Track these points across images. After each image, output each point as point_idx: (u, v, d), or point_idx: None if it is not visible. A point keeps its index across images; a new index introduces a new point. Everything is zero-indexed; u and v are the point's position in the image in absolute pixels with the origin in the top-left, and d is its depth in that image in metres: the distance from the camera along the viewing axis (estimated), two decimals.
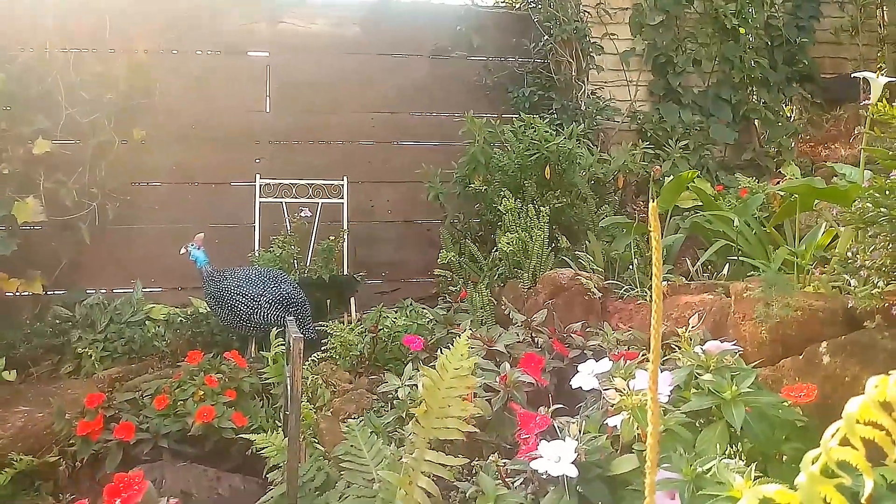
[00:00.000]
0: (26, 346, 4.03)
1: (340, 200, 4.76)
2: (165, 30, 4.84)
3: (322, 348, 3.69)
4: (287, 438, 1.59)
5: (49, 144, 4.24)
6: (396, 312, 4.05)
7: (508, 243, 3.82)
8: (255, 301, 3.62)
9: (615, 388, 1.23)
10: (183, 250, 3.80)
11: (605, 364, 1.49)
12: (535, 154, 4.10)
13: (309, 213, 4.44)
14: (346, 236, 4.61)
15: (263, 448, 2.23)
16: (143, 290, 4.56)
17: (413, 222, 5.18)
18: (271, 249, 4.35)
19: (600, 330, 2.46)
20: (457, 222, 4.56)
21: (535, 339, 2.30)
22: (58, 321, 4.19)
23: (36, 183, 4.19)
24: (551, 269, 3.85)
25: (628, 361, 1.60)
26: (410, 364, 1.87)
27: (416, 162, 5.12)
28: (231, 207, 4.86)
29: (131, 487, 1.38)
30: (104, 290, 4.56)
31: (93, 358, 3.98)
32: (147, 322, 4.35)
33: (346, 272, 4.49)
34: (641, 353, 1.83)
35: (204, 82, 4.91)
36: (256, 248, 4.54)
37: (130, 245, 4.70)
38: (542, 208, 3.86)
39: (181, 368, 3.36)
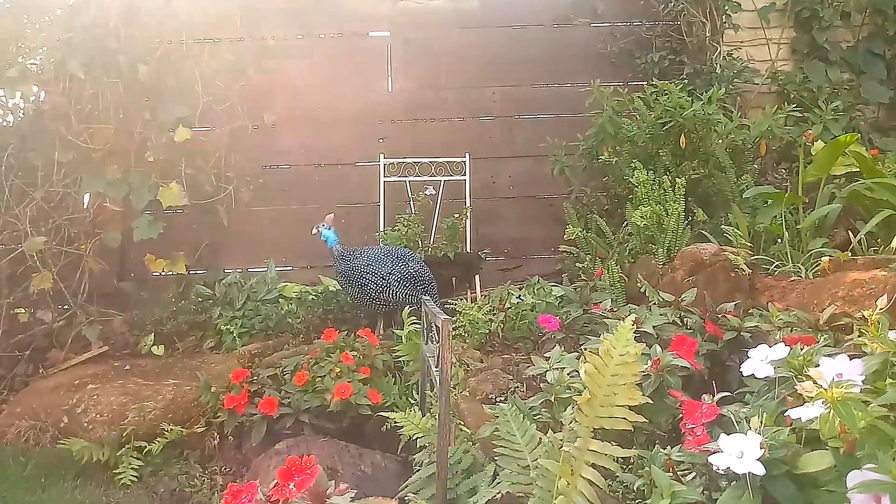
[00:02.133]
0: (172, 323, 4.27)
1: (463, 177, 4.72)
2: (289, 15, 4.94)
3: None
4: (437, 421, 1.56)
5: (188, 132, 4.43)
6: (522, 290, 3.99)
7: (642, 217, 3.64)
8: (385, 279, 3.65)
9: (811, 379, 1.10)
10: (314, 230, 3.88)
11: (781, 350, 1.35)
12: (668, 122, 3.88)
13: (433, 191, 4.43)
14: (468, 213, 4.56)
15: (402, 426, 2.24)
16: (276, 268, 4.73)
17: (535, 198, 5.06)
18: (397, 228, 4.37)
19: (760, 310, 2.27)
20: (583, 196, 4.41)
21: (684, 320, 2.16)
22: (200, 299, 4.41)
23: (178, 169, 4.40)
24: (688, 243, 3.65)
25: (805, 346, 1.45)
26: (558, 346, 1.79)
27: (538, 136, 5.00)
28: (356, 187, 4.93)
29: (304, 472, 1.39)
30: (240, 270, 4.76)
31: (233, 334, 4.16)
32: (280, 300, 4.52)
33: (468, 249, 4.45)
34: (822, 338, 1.66)
35: (328, 65, 5.00)
36: (382, 226, 4.58)
37: (263, 226, 4.87)
38: (677, 180, 3.65)
39: (316, 345, 3.45)
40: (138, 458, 3.25)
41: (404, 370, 3.07)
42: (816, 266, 2.91)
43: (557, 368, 1.69)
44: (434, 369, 1.75)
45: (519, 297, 3.65)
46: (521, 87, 5.11)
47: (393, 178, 4.67)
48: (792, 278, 2.74)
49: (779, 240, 3.20)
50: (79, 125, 4.16)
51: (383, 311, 3.80)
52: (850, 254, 2.68)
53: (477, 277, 4.21)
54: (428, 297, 2.36)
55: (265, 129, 4.75)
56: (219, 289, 4.50)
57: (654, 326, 2.04)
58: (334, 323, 4.07)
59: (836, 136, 3.92)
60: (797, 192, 3.34)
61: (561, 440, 1.29)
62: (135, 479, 3.18)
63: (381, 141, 4.97)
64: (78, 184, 4.18)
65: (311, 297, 4.35)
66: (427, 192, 4.41)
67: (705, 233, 3.60)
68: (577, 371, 1.80)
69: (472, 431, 1.80)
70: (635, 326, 2.02)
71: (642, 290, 3.14)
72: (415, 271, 3.74)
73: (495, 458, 1.64)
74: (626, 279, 3.75)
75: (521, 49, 5.10)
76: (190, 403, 3.48)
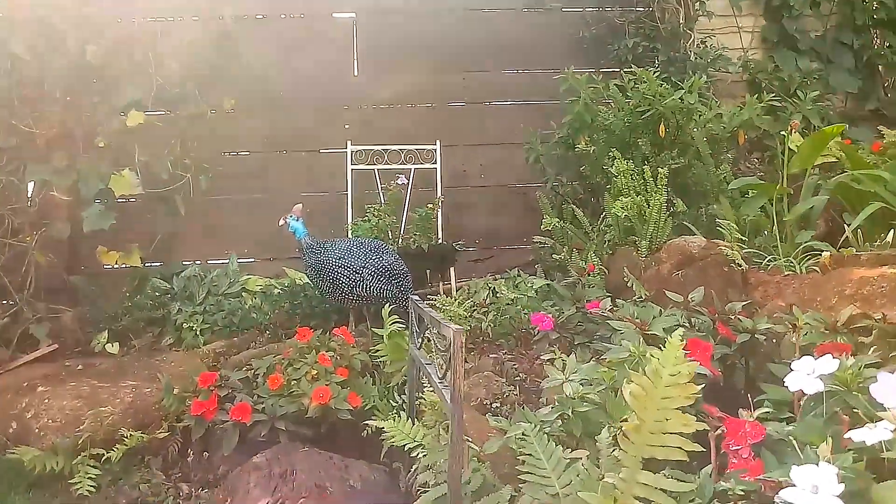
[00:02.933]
0: (128, 319, 4.03)
1: (434, 166, 4.56)
2: None
3: None
4: (449, 441, 1.42)
5: (142, 116, 4.16)
6: (499, 282, 3.87)
7: (622, 208, 3.55)
8: (358, 273, 3.48)
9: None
10: (282, 222, 3.68)
11: (830, 363, 1.25)
12: (647, 111, 3.79)
13: (405, 180, 4.27)
14: (441, 203, 4.41)
15: (392, 437, 2.09)
16: (237, 261, 4.51)
17: (507, 187, 4.94)
18: (366, 218, 4.20)
19: (756, 307, 2.20)
20: (558, 186, 4.30)
21: (692, 321, 2.07)
22: (157, 293, 4.17)
23: (131, 156, 4.13)
24: (669, 235, 3.58)
25: (850, 357, 1.36)
26: (574, 355, 1.67)
27: (509, 123, 4.88)
28: (322, 176, 4.73)
29: None
30: (199, 262, 4.53)
31: (194, 331, 3.94)
32: (243, 294, 4.31)
33: (441, 240, 4.30)
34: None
35: (290, 48, 4.77)
36: (349, 217, 4.40)
37: (223, 216, 4.64)
38: (659, 169, 3.57)
39: (288, 345, 3.27)
40: (96, 467, 3.03)
41: (384, 370, 2.92)
42: (806, 260, 2.87)
43: (573, 380, 1.56)
44: (439, 382, 1.60)
45: (493, 290, 3.53)
46: (492, 72, 4.97)
47: (360, 167, 4.49)
48: (786, 273, 2.68)
49: (764, 232, 3.15)
50: (22, 108, 3.86)
51: (355, 307, 3.63)
52: (852, 249, 2.63)
53: (452, 270, 4.07)
54: (418, 297, 2.21)
55: (224, 114, 4.50)
56: (177, 282, 4.26)
57: (664, 328, 1.93)
58: (302, 318, 3.89)
59: (816, 127, 3.90)
60: (779, 183, 3.28)
61: (598, 468, 1.17)
62: (92, 489, 2.96)
63: (347, 127, 4.77)
64: (22, 171, 3.89)
65: (276, 290, 4.15)
66: (398, 182, 4.24)
67: (687, 224, 3.54)
68: (591, 380, 1.68)
69: (478, 447, 1.67)
70: (643, 330, 1.92)
71: (629, 283, 3.05)
72: (389, 264, 3.58)
73: (507, 479, 1.51)
74: (607, 271, 3.67)
75: (491, 34, 4.95)
76: (150, 407, 3.26)
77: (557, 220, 4.01)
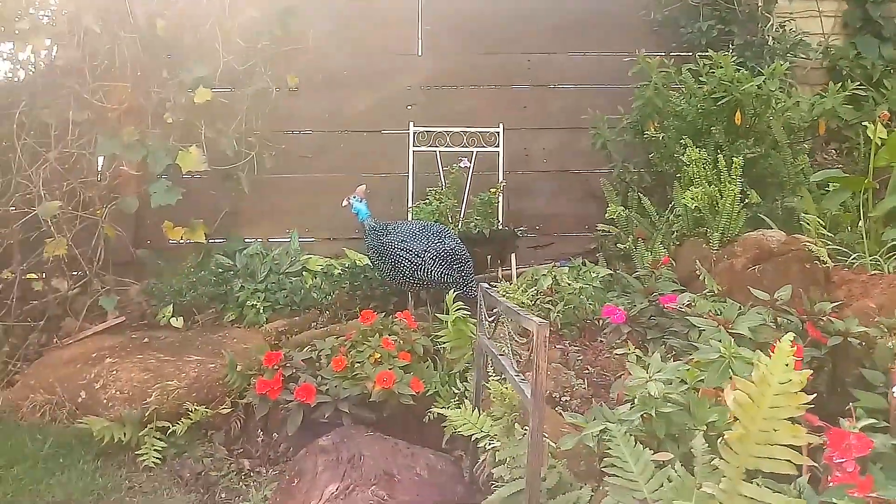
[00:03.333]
0: (192, 294, 4.08)
1: (496, 149, 4.49)
2: None
3: None
4: (529, 437, 1.38)
5: (209, 93, 4.20)
6: (562, 271, 3.81)
7: (693, 198, 3.44)
8: (420, 257, 3.46)
9: None
10: (345, 202, 3.68)
11: None
12: (723, 97, 3.65)
13: (468, 164, 4.21)
14: (502, 188, 4.35)
15: (458, 425, 2.06)
16: (298, 239, 4.53)
17: (569, 172, 4.84)
18: (427, 202, 4.16)
19: (872, 313, 2.07)
20: (624, 173, 4.19)
21: (778, 321, 1.97)
22: (220, 270, 4.22)
23: (197, 132, 4.17)
24: (742, 228, 3.46)
25: None
26: (658, 355, 1.60)
27: (573, 106, 4.77)
28: (383, 157, 4.70)
29: None
30: (260, 240, 4.57)
31: (256, 308, 3.98)
32: (304, 273, 4.33)
33: (501, 225, 4.24)
34: None
35: (354, 25, 4.74)
36: (410, 199, 4.37)
37: (285, 194, 4.66)
38: (734, 159, 3.44)
39: (350, 326, 3.28)
40: (161, 439, 3.09)
41: (446, 356, 2.89)
42: (893, 259, 2.72)
43: (658, 379, 1.50)
44: (516, 376, 1.56)
45: (558, 280, 3.46)
46: (557, 54, 4.86)
47: (422, 148, 4.45)
48: (872, 272, 2.55)
49: (847, 228, 3.00)
50: (94, 82, 3.93)
51: (415, 291, 3.61)
52: None
53: (513, 256, 4.02)
54: (488, 285, 2.16)
55: (288, 92, 4.51)
56: (239, 259, 4.31)
57: (749, 328, 1.85)
58: (362, 300, 3.90)
59: None
60: (864, 177, 3.12)
61: (691, 474, 1.12)
62: (158, 461, 3.03)
63: (409, 108, 4.73)
64: (93, 145, 3.96)
65: (336, 271, 4.16)
66: (461, 165, 4.19)
67: (762, 216, 3.40)
68: (673, 379, 1.62)
69: (553, 442, 1.62)
70: (727, 328, 1.84)
71: (700, 276, 2.95)
72: (451, 249, 3.54)
73: (583, 477, 1.47)
74: (674, 263, 3.57)
75: (558, 14, 4.84)
76: (214, 382, 3.31)
77: (623, 208, 3.91)
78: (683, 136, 3.75)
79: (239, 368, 3.24)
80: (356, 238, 4.64)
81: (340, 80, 4.69)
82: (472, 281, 3.60)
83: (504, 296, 3.09)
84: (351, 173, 4.69)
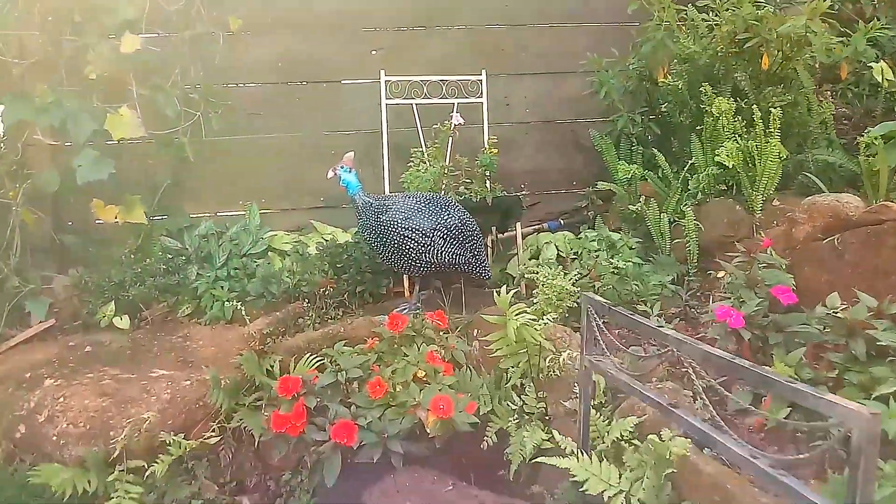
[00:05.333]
0: (137, 287, 3.41)
1: (479, 99, 3.96)
2: None
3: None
4: None
5: (138, 40, 3.43)
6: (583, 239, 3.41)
7: (729, 155, 3.07)
8: (428, 237, 2.95)
9: None
10: (331, 174, 3.10)
11: None
12: (748, 38, 3.26)
13: (461, 120, 3.66)
14: (486, 143, 3.85)
15: (581, 480, 1.63)
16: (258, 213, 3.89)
17: (553, 123, 4.38)
18: (416, 166, 3.62)
19: None
20: (629, 125, 3.77)
21: None
22: (169, 255, 3.55)
23: (128, 90, 3.41)
24: (778, 186, 3.14)
25: None
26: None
27: (556, 48, 4.28)
28: (348, 111, 4.08)
29: None
30: (208, 215, 3.90)
31: (219, 299, 3.37)
32: (269, 253, 3.73)
33: (503, 190, 3.73)
34: None
35: None
36: (386, 162, 3.79)
37: (234, 160, 3.97)
38: (772, 109, 3.08)
39: (359, 326, 2.76)
40: (136, 484, 2.52)
41: (498, 365, 2.43)
42: None
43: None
44: (770, 472, 1.12)
45: (584, 254, 3.05)
46: None
47: (396, 101, 3.85)
48: None
49: None
50: None
51: (422, 275, 3.10)
52: None
53: (518, 225, 3.56)
54: (596, 297, 1.70)
55: (232, 37, 3.78)
56: (189, 240, 3.65)
57: None
58: (349, 284, 3.36)
59: None
60: None
61: None
62: None
63: (374, 53, 4.10)
64: None
65: (310, 250, 3.58)
66: (454, 121, 3.64)
67: (812, 175, 3.09)
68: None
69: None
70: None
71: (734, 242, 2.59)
72: (461, 223, 3.05)
73: None
74: (701, 226, 3.23)
75: None
76: (193, 404, 2.74)
77: (636, 166, 3.51)
78: (703, 84, 3.36)
79: (224, 383, 2.68)
80: (323, 207, 4.07)
81: (291, 20, 3.99)
82: (485, 261, 3.13)
83: (544, 283, 2.64)
84: (310, 132, 4.06)
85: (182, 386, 2.77)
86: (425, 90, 3.88)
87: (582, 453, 1.76)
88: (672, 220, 3.43)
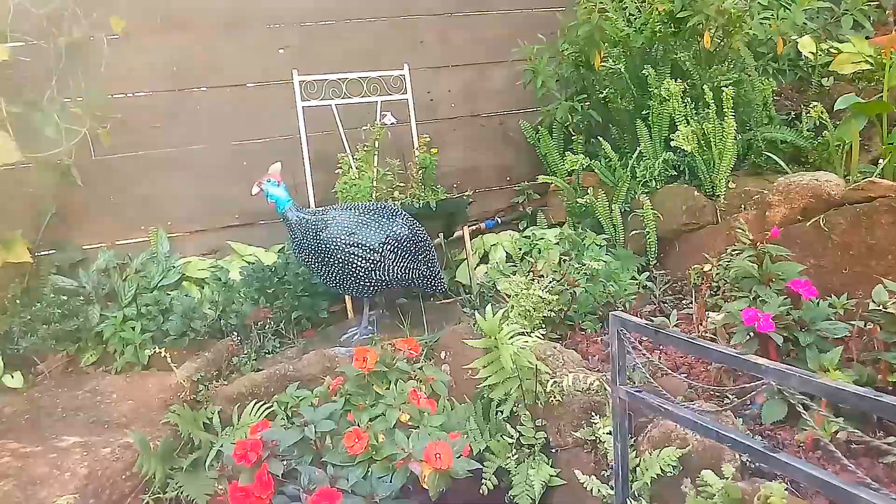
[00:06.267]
0: (29, 339, 2.90)
1: (404, 96, 3.65)
2: None
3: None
4: None
5: (5, 50, 2.91)
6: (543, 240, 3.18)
7: (686, 139, 2.92)
8: (377, 252, 2.61)
9: None
10: (256, 189, 2.70)
11: None
12: (689, 16, 3.12)
13: (394, 120, 3.33)
14: (415, 143, 3.55)
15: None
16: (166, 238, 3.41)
17: (481, 117, 4.13)
18: (338, 173, 3.27)
19: None
20: (568, 114, 3.56)
21: None
22: (63, 296, 3.03)
23: None
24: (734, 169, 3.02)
25: None
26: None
27: (476, 38, 4.03)
28: (257, 117, 3.65)
29: None
30: (104, 245, 3.38)
31: (130, 342, 2.91)
32: (184, 283, 3.27)
33: (447, 193, 3.43)
34: None
35: None
36: (308, 169, 3.42)
37: (131, 181, 3.46)
38: (724, 89, 2.96)
39: (315, 363, 2.39)
40: None
41: (484, 394, 2.13)
42: None
43: None
44: None
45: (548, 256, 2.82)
46: None
47: (314, 102, 3.48)
48: None
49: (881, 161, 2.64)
50: None
51: (372, 295, 2.76)
52: None
53: (466, 229, 3.27)
54: (623, 316, 1.44)
55: (115, 41, 3.30)
56: (86, 277, 3.14)
57: None
58: (282, 312, 2.97)
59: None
60: (884, 101, 2.77)
61: None
62: None
63: (281, 52, 3.69)
64: None
65: (233, 275, 3.16)
66: (386, 121, 3.30)
67: (769, 153, 2.99)
68: None
69: None
70: None
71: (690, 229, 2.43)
72: (410, 233, 2.73)
73: None
74: (661, 217, 3.07)
75: None
76: (119, 476, 2.28)
77: (583, 156, 3.31)
78: (645, 67, 3.20)
79: (154, 449, 2.25)
80: (238, 226, 3.64)
81: (185, 20, 3.52)
82: (439, 272, 2.83)
83: (514, 295, 2.36)
84: (217, 143, 3.61)
85: (101, 455, 2.31)
86: (344, 89, 3.52)
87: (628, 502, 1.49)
88: (623, 210, 3.26)
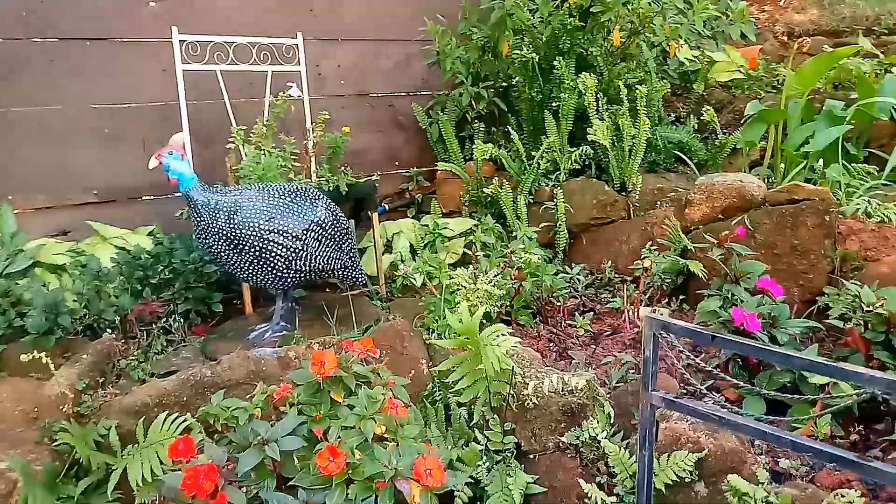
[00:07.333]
0: None
1: (296, 67, 3.33)
2: None
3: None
4: None
5: None
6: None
7: (601, 133, 2.93)
8: (300, 240, 2.34)
9: None
10: (154, 162, 2.30)
11: None
12: (600, 11, 3.14)
13: (299, 92, 3.00)
14: (307, 118, 3.27)
15: None
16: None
17: (370, 96, 3.90)
18: (229, 148, 2.92)
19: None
20: (480, 101, 3.46)
21: None
22: None
23: None
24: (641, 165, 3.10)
25: None
26: None
27: (371, 12, 3.80)
28: (122, 78, 3.16)
29: None
30: None
31: None
32: (35, 270, 2.75)
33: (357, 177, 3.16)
34: None
35: None
36: (188, 144, 3.00)
37: None
38: (639, 86, 3.00)
39: (234, 364, 2.08)
40: None
41: (450, 397, 1.97)
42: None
43: None
44: None
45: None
46: None
47: (196, 67, 3.06)
48: (877, 220, 2.37)
49: (781, 164, 2.81)
50: None
51: (290, 288, 2.47)
52: None
53: (375, 215, 3.04)
54: (656, 317, 1.36)
55: None
56: None
57: None
58: (174, 305, 2.59)
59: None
60: (781, 109, 2.95)
61: None
62: None
63: (152, 5, 3.22)
64: None
65: (101, 262, 2.69)
66: (291, 93, 2.97)
67: (678, 152, 3.08)
68: None
69: None
70: None
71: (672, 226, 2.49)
72: (333, 218, 2.48)
73: None
74: (571, 210, 3.07)
75: None
76: None
77: (491, 145, 3.22)
78: (557, 58, 3.18)
79: (35, 478, 1.85)
80: (97, 203, 3.15)
81: None
82: (359, 262, 2.60)
83: (467, 290, 2.22)
84: (74, 105, 3.07)
85: None
86: (232, 55, 3.14)
87: None
88: (529, 202, 3.23)
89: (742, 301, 1.89)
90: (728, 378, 1.61)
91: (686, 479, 1.53)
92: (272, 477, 1.59)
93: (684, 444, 1.58)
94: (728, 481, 1.42)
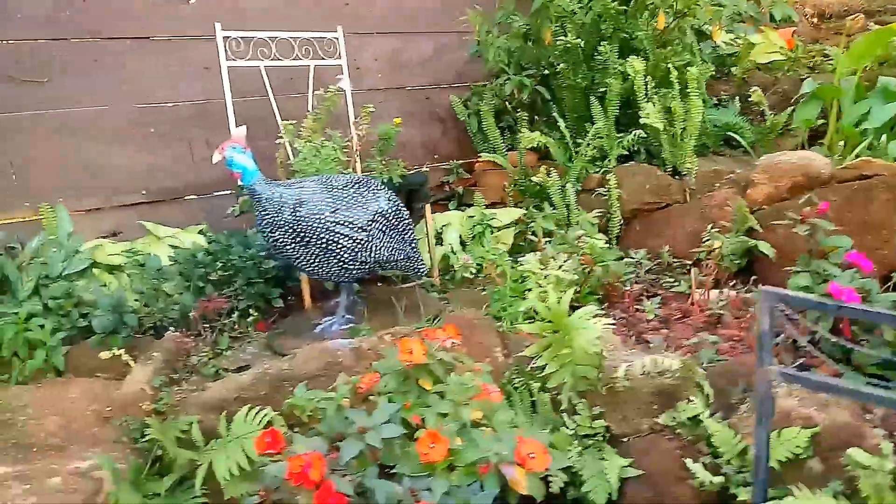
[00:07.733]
0: None
1: (337, 61, 3.31)
2: None
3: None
4: None
5: None
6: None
7: (654, 116, 2.91)
8: (366, 231, 2.32)
9: None
10: (218, 156, 2.29)
11: None
12: None
13: (350, 84, 2.99)
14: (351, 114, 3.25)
15: None
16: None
17: (405, 89, 3.88)
18: (278, 143, 2.90)
19: None
20: (524, 90, 3.43)
21: None
22: None
23: None
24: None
25: None
26: None
27: (403, 5, 3.78)
28: (165, 76, 3.15)
29: None
30: None
31: (44, 344, 2.37)
32: (93, 272, 2.74)
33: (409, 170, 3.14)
34: None
35: None
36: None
37: (8, 147, 2.84)
38: (688, 69, 2.98)
39: (298, 359, 2.06)
40: None
41: (539, 381, 1.94)
42: None
43: None
44: None
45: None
46: None
47: (241, 63, 3.04)
48: None
49: (840, 142, 2.78)
50: None
51: (354, 280, 2.45)
52: None
53: (428, 208, 3.02)
54: (769, 288, 1.34)
55: None
56: None
57: None
58: (237, 301, 2.58)
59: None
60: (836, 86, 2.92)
61: None
62: None
63: (191, 2, 3.21)
64: None
65: (160, 261, 2.68)
66: (343, 87, 2.95)
67: (732, 133, 3.06)
68: None
69: None
70: None
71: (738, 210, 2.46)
72: (396, 209, 2.47)
73: None
74: (623, 194, 3.05)
75: None
76: None
77: (539, 133, 3.20)
78: (601, 43, 3.15)
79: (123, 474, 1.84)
80: (145, 203, 3.14)
81: None
82: (419, 255, 2.59)
83: (532, 273, 2.20)
84: (117, 104, 3.06)
85: (49, 486, 1.82)
86: (274, 50, 3.12)
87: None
88: (577, 189, 3.21)
89: (834, 276, 1.87)
90: (820, 355, 1.58)
91: (801, 456, 1.51)
92: (374, 465, 1.57)
93: (794, 420, 1.56)
94: (848, 454, 1.40)
